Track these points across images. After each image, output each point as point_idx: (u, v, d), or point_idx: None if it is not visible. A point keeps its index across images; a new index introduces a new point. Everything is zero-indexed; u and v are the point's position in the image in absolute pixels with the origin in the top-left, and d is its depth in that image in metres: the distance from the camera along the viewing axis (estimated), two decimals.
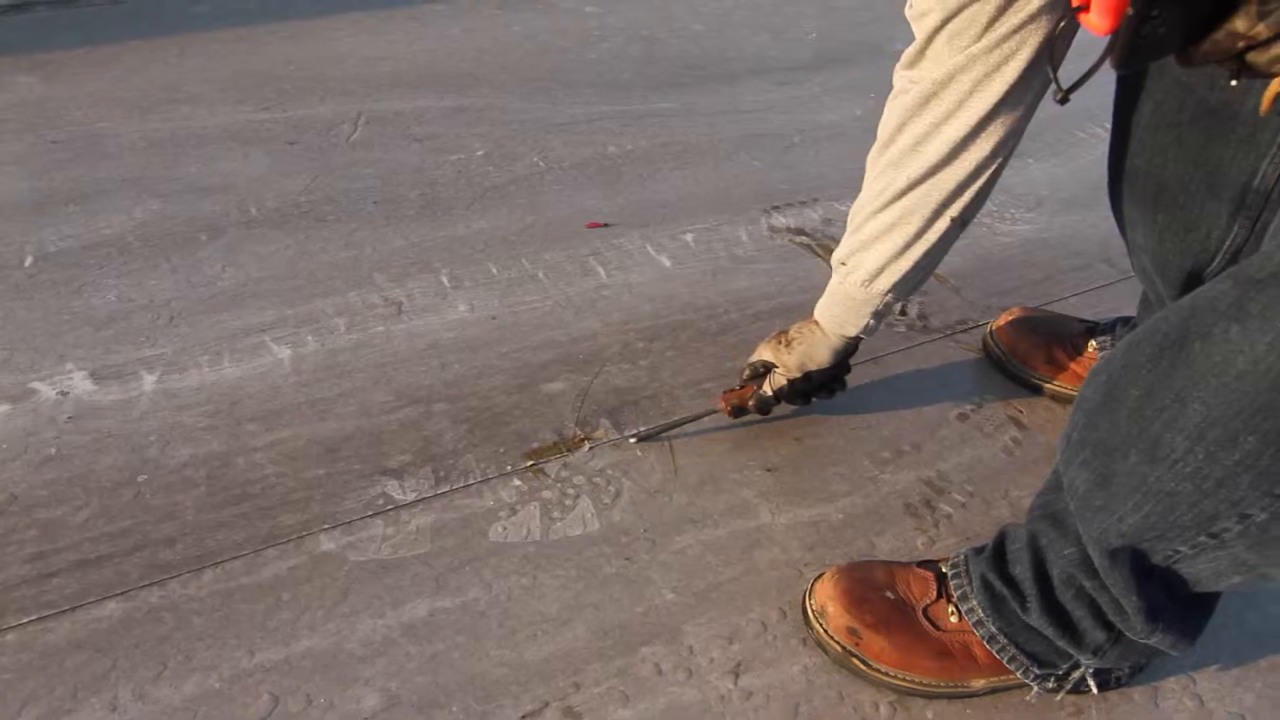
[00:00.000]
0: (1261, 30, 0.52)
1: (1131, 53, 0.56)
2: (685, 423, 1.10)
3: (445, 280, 1.31)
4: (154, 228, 1.35)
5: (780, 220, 1.46)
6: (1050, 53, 0.60)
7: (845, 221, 0.99)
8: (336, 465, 1.05)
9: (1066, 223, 1.54)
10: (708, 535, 1.01)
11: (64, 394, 1.11)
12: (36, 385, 1.12)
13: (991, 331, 1.24)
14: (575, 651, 0.89)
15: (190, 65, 1.72)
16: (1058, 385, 1.18)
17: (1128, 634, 0.77)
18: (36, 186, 1.42)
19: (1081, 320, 1.22)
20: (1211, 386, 0.61)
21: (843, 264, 0.97)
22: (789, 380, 1.05)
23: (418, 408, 1.12)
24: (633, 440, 1.08)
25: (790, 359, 1.04)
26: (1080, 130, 1.78)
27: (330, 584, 0.93)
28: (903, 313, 1.32)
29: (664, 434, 1.09)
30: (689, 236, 1.42)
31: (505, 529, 1.00)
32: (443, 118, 1.64)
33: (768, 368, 1.07)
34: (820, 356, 1.03)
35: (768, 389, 1.06)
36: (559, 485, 1.05)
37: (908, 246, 0.91)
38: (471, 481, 1.04)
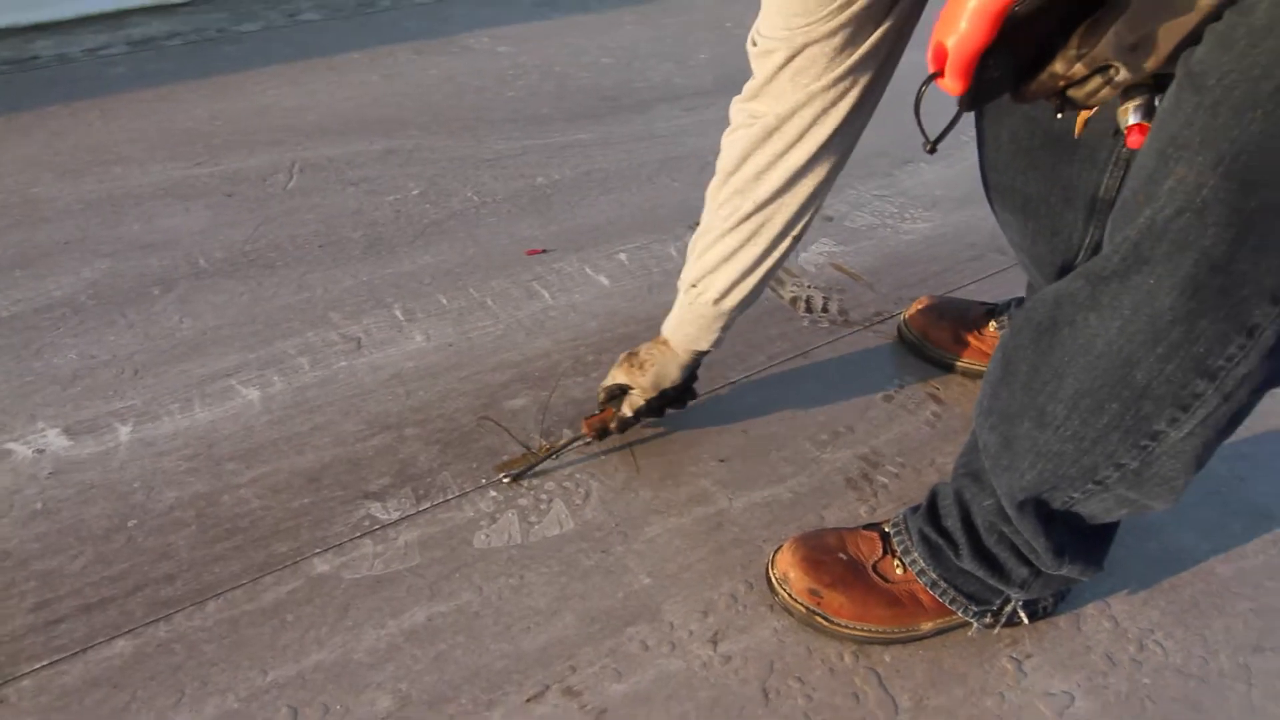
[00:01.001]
0: (1077, 70, 0.65)
1: (975, 96, 0.67)
2: (551, 455, 1.14)
3: (399, 314, 1.38)
4: (105, 286, 1.39)
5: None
6: (916, 105, 0.71)
7: None
8: (320, 493, 1.11)
9: (960, 219, 1.69)
10: (673, 523, 1.10)
11: (40, 451, 1.14)
12: (11, 445, 1.14)
13: (904, 320, 1.38)
14: (567, 638, 0.98)
15: (115, 127, 1.74)
16: (966, 362, 1.32)
17: (1042, 569, 0.90)
18: None
19: (982, 303, 1.37)
20: (1080, 364, 0.75)
21: (693, 286, 1.05)
22: (645, 400, 1.12)
23: (390, 434, 1.19)
24: (505, 480, 1.13)
25: (645, 380, 1.12)
26: (965, 135, 1.95)
27: (330, 602, 1.00)
28: (825, 310, 1.45)
29: (533, 470, 1.14)
30: (622, 256, 1.53)
31: (488, 536, 1.07)
32: (375, 161, 1.71)
33: (623, 390, 1.14)
34: (673, 374, 1.12)
35: (627, 410, 1.13)
36: (532, 492, 1.13)
37: (755, 266, 1.01)
38: (450, 496, 1.12)
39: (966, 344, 1.32)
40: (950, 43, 0.62)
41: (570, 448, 1.16)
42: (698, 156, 1.79)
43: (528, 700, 0.92)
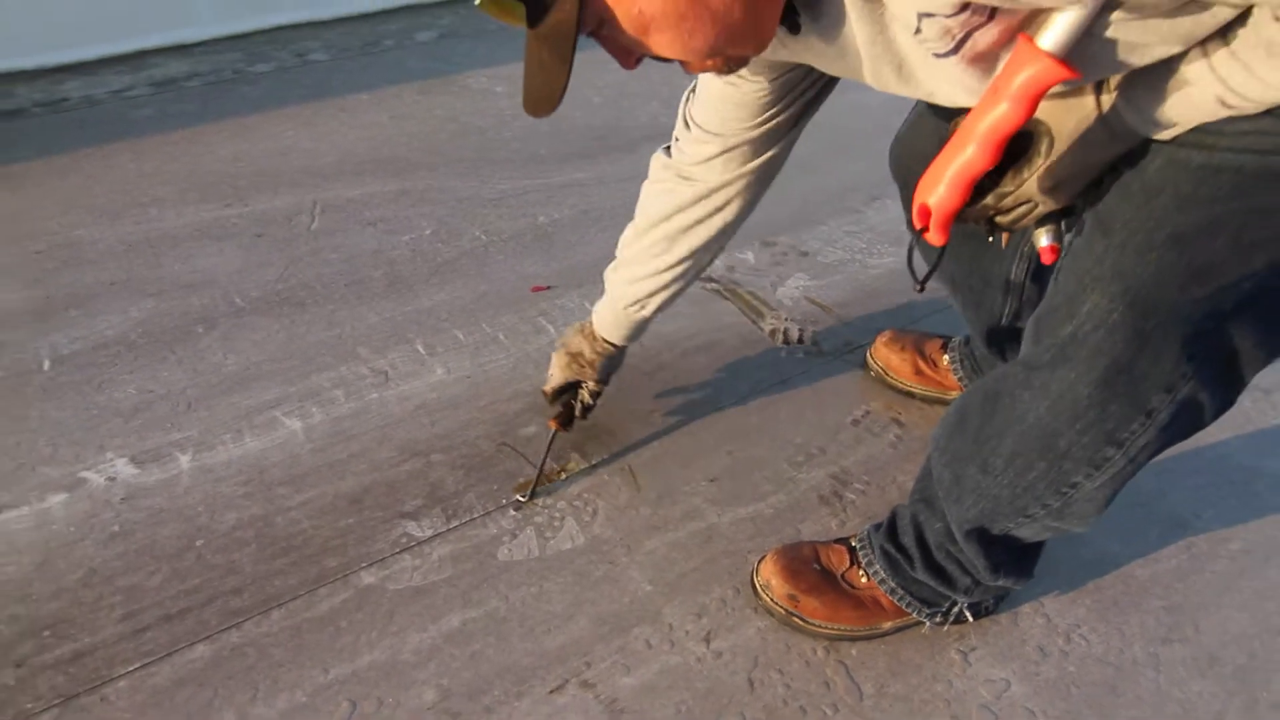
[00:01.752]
0: (1006, 203, 0.83)
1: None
2: (544, 462, 1.32)
3: (421, 349, 1.54)
4: (153, 324, 1.54)
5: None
6: (909, 256, 0.93)
7: (743, 266, 1.27)
8: (362, 514, 1.27)
9: None
10: (670, 537, 1.27)
11: (111, 479, 1.29)
12: (85, 474, 1.30)
13: (870, 351, 1.55)
14: (582, 639, 1.15)
15: (147, 169, 1.88)
16: (924, 391, 1.50)
17: (982, 581, 1.09)
18: (33, 295, 1.58)
19: (938, 336, 1.55)
20: (1016, 430, 0.93)
21: (631, 305, 1.26)
22: (599, 387, 1.33)
23: (419, 460, 1.35)
24: (521, 500, 1.30)
25: (593, 372, 1.32)
26: None
27: (377, 610, 1.16)
28: (800, 341, 1.62)
29: (540, 486, 1.31)
30: None
31: (510, 550, 1.24)
32: (389, 201, 1.86)
33: (573, 385, 1.34)
34: (617, 363, 1.35)
35: (587, 398, 1.33)
36: (546, 511, 1.30)
37: (681, 291, 1.25)
38: (476, 515, 1.28)
39: (924, 375, 1.50)
40: (933, 203, 0.80)
41: (551, 450, 1.33)
42: None
43: (550, 692, 1.09)
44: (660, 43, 0.71)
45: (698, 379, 1.53)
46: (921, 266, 0.98)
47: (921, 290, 0.91)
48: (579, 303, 1.66)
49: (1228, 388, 0.89)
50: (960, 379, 1.49)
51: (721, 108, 1.07)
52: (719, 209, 1.16)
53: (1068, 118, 0.78)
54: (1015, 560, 1.08)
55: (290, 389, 1.44)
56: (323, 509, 1.27)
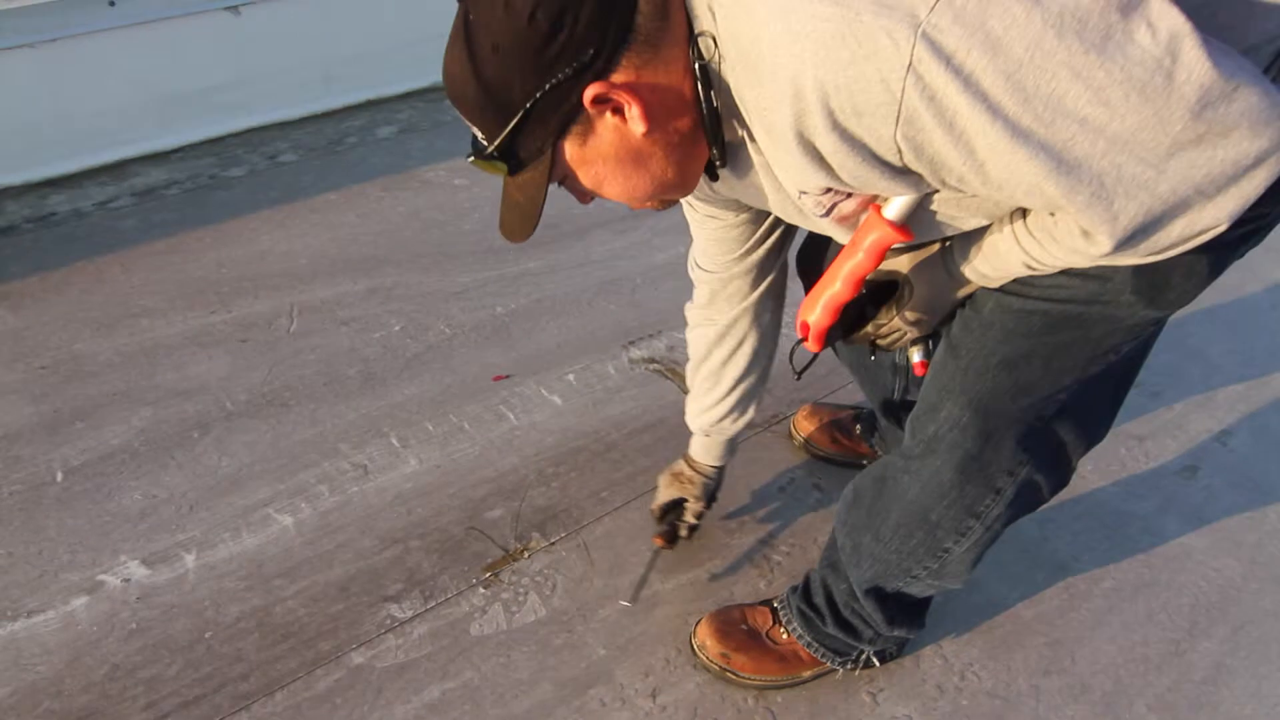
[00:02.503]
0: (883, 330, 1.05)
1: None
2: (649, 573, 1.49)
3: (395, 441, 1.73)
4: (152, 432, 1.71)
5: (636, 353, 1.95)
6: (790, 355, 1.14)
7: (682, 347, 1.45)
8: (349, 600, 1.45)
9: None
10: (621, 605, 1.47)
11: (126, 580, 1.47)
12: (103, 577, 1.47)
13: (793, 422, 1.76)
14: (546, 701, 1.33)
15: (136, 280, 2.06)
16: (841, 457, 1.71)
17: (880, 632, 1.29)
18: (41, 410, 1.75)
19: (852, 408, 1.76)
20: (898, 506, 1.14)
21: (706, 435, 1.43)
22: (701, 505, 1.48)
23: (398, 547, 1.54)
24: (625, 603, 1.46)
25: (696, 490, 1.47)
26: None
27: (368, 686, 1.34)
28: None
29: (641, 587, 1.48)
30: (571, 377, 1.89)
31: (481, 625, 1.43)
32: (360, 300, 2.05)
33: (677, 503, 1.49)
34: (713, 485, 1.49)
35: (691, 518, 1.48)
36: (512, 587, 1.49)
37: (747, 413, 1.40)
38: (450, 595, 1.47)
39: (840, 444, 1.71)
40: (810, 321, 1.01)
41: (655, 564, 1.51)
42: (628, 279, 2.16)
43: None
44: (610, 192, 0.90)
45: (643, 456, 1.72)
46: (801, 360, 1.20)
47: (799, 379, 1.14)
48: (535, 389, 1.85)
49: (1059, 469, 1.12)
50: (872, 445, 1.70)
51: (708, 247, 1.26)
52: (741, 341, 1.31)
53: (924, 269, 1.01)
54: (907, 613, 1.29)
55: (280, 486, 1.62)
56: (315, 597, 1.45)
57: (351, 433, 1.74)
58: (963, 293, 1.02)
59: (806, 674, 1.37)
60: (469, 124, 0.85)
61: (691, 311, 1.36)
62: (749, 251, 1.24)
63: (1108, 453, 1.78)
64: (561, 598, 1.47)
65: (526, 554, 1.53)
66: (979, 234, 0.94)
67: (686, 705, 1.34)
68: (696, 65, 0.80)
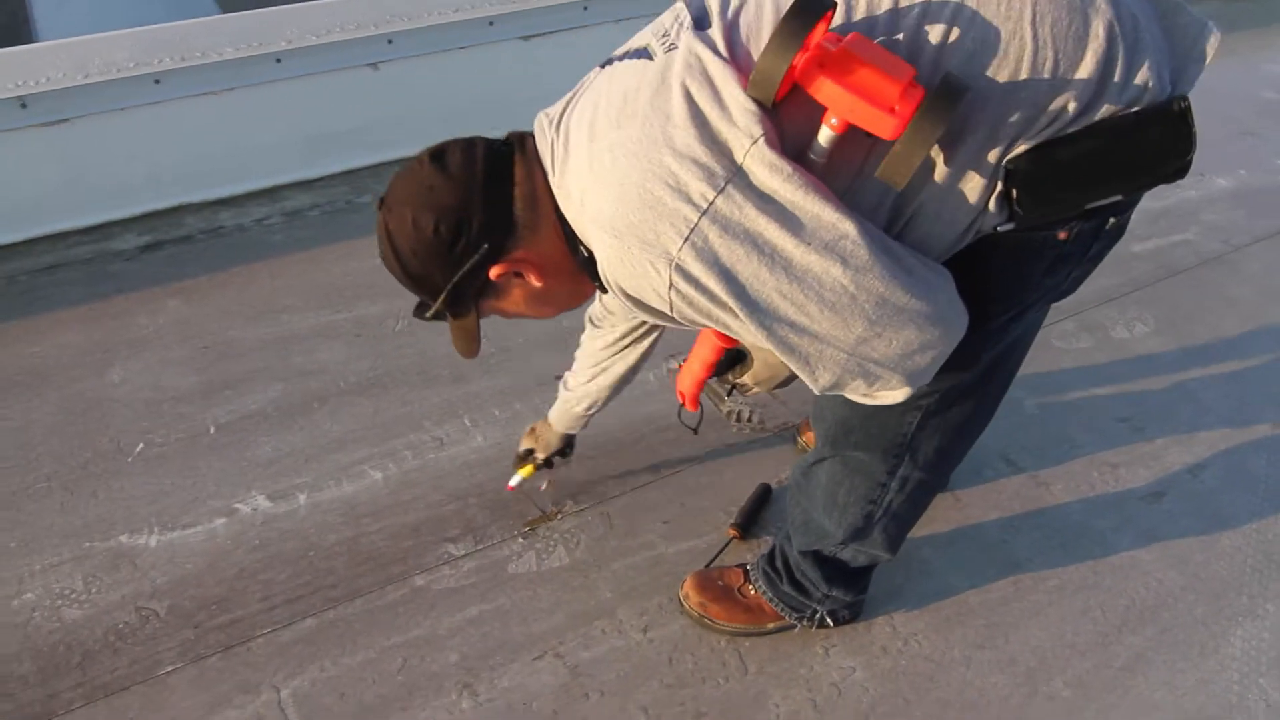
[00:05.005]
0: (737, 383, 1.39)
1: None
2: (719, 555, 1.82)
3: (467, 422, 2.13)
4: (283, 402, 2.17)
5: (674, 364, 2.29)
6: (679, 413, 1.50)
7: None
8: (418, 538, 1.85)
9: None
10: (630, 561, 1.81)
11: (254, 509, 1.91)
12: (237, 505, 1.91)
13: (796, 428, 2.07)
14: (559, 627, 1.69)
15: (280, 284, 2.55)
16: None
17: (823, 592, 1.58)
18: (201, 379, 2.23)
19: None
20: (817, 491, 1.44)
21: (567, 396, 1.71)
22: (546, 455, 1.83)
23: (460, 502, 1.93)
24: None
25: (541, 445, 1.83)
26: None
27: (424, 601, 1.72)
28: (749, 420, 2.15)
29: (711, 563, 1.81)
30: None
31: (516, 566, 1.80)
32: None
33: (529, 452, 1.84)
34: (555, 444, 1.83)
35: (541, 458, 1.83)
36: (545, 540, 1.85)
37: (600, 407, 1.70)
38: (495, 541, 1.84)
39: None
40: (685, 390, 1.38)
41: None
42: None
43: (533, 659, 1.63)
44: (529, 317, 1.23)
45: (667, 448, 2.06)
46: (690, 418, 1.68)
47: (696, 434, 1.72)
48: None
49: (939, 468, 1.38)
50: None
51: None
52: (616, 363, 1.62)
53: (757, 349, 1.34)
54: (844, 577, 1.57)
55: (375, 449, 2.04)
56: (392, 533, 1.86)
57: (434, 413, 2.14)
58: (785, 369, 1.35)
59: (770, 625, 1.68)
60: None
61: (593, 315, 1.63)
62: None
63: (1079, 475, 2.01)
64: (583, 552, 1.83)
65: (560, 516, 1.90)
66: None
67: (670, 641, 1.67)
68: (566, 237, 1.08)
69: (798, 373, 1.02)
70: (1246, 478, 2.02)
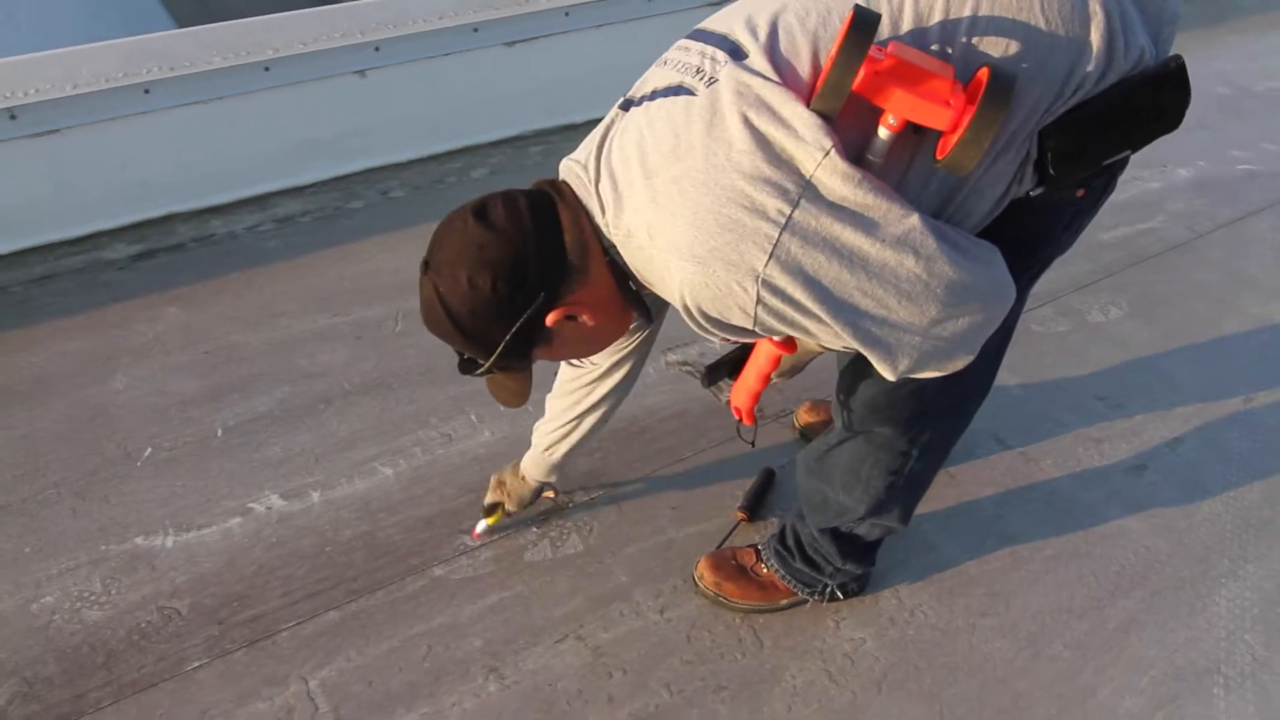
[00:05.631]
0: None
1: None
2: (728, 537, 1.87)
3: (474, 418, 2.17)
4: (289, 403, 2.19)
5: (672, 357, 2.35)
6: (737, 430, 1.54)
7: (710, 352, 1.86)
8: (433, 530, 1.88)
9: None
10: (642, 545, 1.86)
11: (269, 508, 1.93)
12: (251, 505, 1.94)
13: (795, 416, 2.14)
14: (578, 611, 1.73)
15: (277, 289, 2.57)
16: None
17: (837, 566, 1.65)
18: (205, 383, 2.24)
19: None
20: (838, 470, 1.51)
21: (545, 450, 1.70)
22: (515, 509, 1.80)
23: (472, 494, 1.97)
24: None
25: (511, 502, 1.79)
26: None
27: (444, 590, 1.76)
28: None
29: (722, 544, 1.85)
30: None
31: (532, 554, 1.84)
32: None
33: (496, 505, 1.80)
34: (527, 497, 1.80)
35: (509, 509, 1.80)
36: (558, 528, 1.90)
37: (577, 445, 1.70)
38: (509, 531, 1.88)
39: None
40: (740, 405, 1.49)
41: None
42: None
43: (556, 642, 1.68)
44: (577, 359, 1.29)
45: (669, 437, 2.12)
46: (747, 433, 1.76)
47: (754, 447, 1.77)
48: None
49: (957, 424, 1.47)
50: None
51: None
52: (601, 379, 1.61)
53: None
54: (858, 551, 1.64)
55: (384, 447, 2.08)
56: (408, 527, 1.89)
57: (440, 410, 2.18)
58: (807, 359, 1.45)
59: (783, 602, 1.74)
60: (456, 350, 1.18)
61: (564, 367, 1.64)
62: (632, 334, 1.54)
63: (1066, 451, 2.10)
64: (596, 538, 1.88)
65: (571, 504, 1.94)
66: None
67: (687, 620, 1.73)
68: (614, 274, 1.15)
69: (877, 363, 1.09)
70: (1222, 449, 2.12)
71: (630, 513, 1.93)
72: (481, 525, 1.85)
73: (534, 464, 1.77)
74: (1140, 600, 1.79)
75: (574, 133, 3.33)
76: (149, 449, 2.06)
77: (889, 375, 1.10)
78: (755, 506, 1.93)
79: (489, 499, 1.86)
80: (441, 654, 1.66)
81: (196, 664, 1.64)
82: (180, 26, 3.61)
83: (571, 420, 1.67)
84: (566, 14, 3.21)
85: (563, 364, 1.66)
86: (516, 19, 3.13)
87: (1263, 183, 3.18)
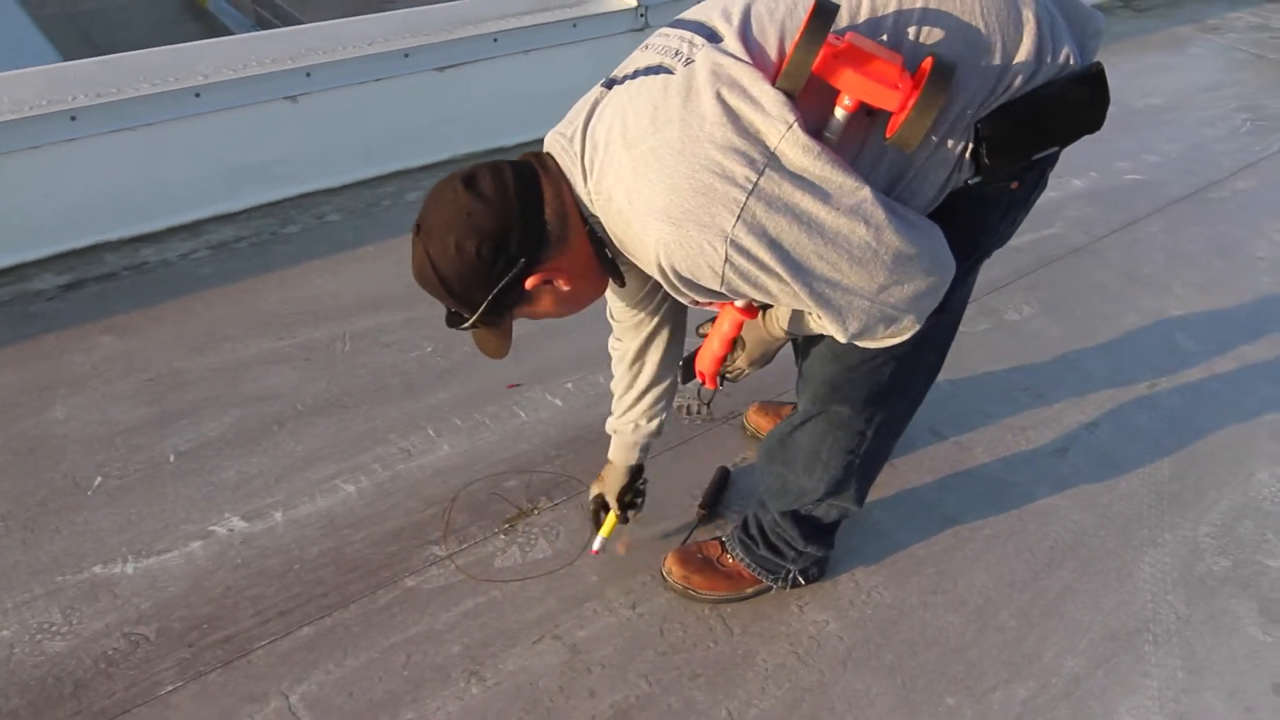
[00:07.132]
0: (729, 369, 1.55)
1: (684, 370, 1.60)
2: (692, 532, 1.93)
3: (431, 433, 2.19)
4: (241, 426, 2.17)
5: None
6: (698, 392, 1.62)
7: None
8: (401, 543, 1.90)
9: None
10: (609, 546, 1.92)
11: (231, 530, 1.92)
12: (212, 528, 1.92)
13: (745, 417, 2.23)
14: (553, 611, 1.78)
15: (218, 314, 2.54)
16: None
17: (799, 550, 1.74)
18: (152, 410, 2.21)
19: (791, 403, 2.23)
20: (799, 453, 1.59)
21: (615, 432, 1.81)
22: (615, 500, 1.81)
23: (437, 507, 1.99)
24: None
25: (607, 491, 1.82)
26: None
27: (418, 600, 1.78)
28: (699, 412, 2.29)
29: (687, 538, 1.92)
30: (569, 384, 2.36)
31: (502, 560, 1.88)
32: (399, 328, 2.53)
33: (601, 499, 1.81)
34: (619, 483, 1.78)
35: (613, 506, 1.83)
36: (525, 534, 1.94)
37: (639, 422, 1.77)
38: (478, 540, 1.92)
39: None
40: (704, 370, 1.51)
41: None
42: None
43: (533, 643, 1.72)
44: (556, 318, 1.35)
45: None
46: (706, 395, 1.83)
47: (710, 410, 1.76)
48: (541, 394, 2.32)
49: (908, 406, 1.58)
50: None
51: (614, 304, 1.63)
52: (644, 363, 1.66)
53: (750, 329, 1.48)
54: (818, 533, 1.73)
55: (344, 465, 2.09)
56: (375, 541, 1.90)
57: (397, 426, 2.20)
58: (774, 346, 1.50)
59: (749, 590, 1.82)
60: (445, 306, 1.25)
61: (611, 344, 1.71)
62: (642, 304, 1.58)
63: (996, 438, 2.25)
64: (563, 542, 1.93)
65: (536, 511, 1.99)
66: (786, 311, 1.37)
67: (658, 613, 1.79)
68: (592, 242, 1.24)
69: (830, 324, 1.18)
70: (1133, 430, 2.30)
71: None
72: (597, 541, 1.83)
73: (616, 449, 1.78)
74: (1073, 570, 1.93)
75: (504, 155, 3.39)
76: (99, 478, 2.02)
77: (840, 337, 1.20)
78: (714, 503, 2.00)
79: (592, 492, 1.85)
80: (421, 661, 1.68)
81: (170, 687, 1.62)
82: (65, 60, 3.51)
83: (634, 396, 1.71)
84: (495, 40, 3.28)
85: (612, 341, 1.70)
86: (446, 45, 3.18)
87: (1148, 190, 3.44)
